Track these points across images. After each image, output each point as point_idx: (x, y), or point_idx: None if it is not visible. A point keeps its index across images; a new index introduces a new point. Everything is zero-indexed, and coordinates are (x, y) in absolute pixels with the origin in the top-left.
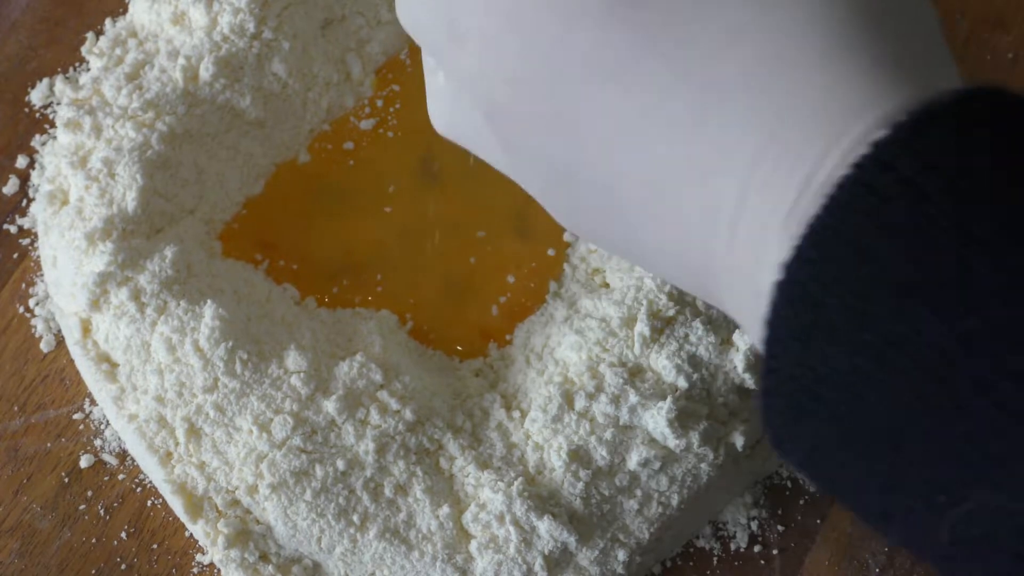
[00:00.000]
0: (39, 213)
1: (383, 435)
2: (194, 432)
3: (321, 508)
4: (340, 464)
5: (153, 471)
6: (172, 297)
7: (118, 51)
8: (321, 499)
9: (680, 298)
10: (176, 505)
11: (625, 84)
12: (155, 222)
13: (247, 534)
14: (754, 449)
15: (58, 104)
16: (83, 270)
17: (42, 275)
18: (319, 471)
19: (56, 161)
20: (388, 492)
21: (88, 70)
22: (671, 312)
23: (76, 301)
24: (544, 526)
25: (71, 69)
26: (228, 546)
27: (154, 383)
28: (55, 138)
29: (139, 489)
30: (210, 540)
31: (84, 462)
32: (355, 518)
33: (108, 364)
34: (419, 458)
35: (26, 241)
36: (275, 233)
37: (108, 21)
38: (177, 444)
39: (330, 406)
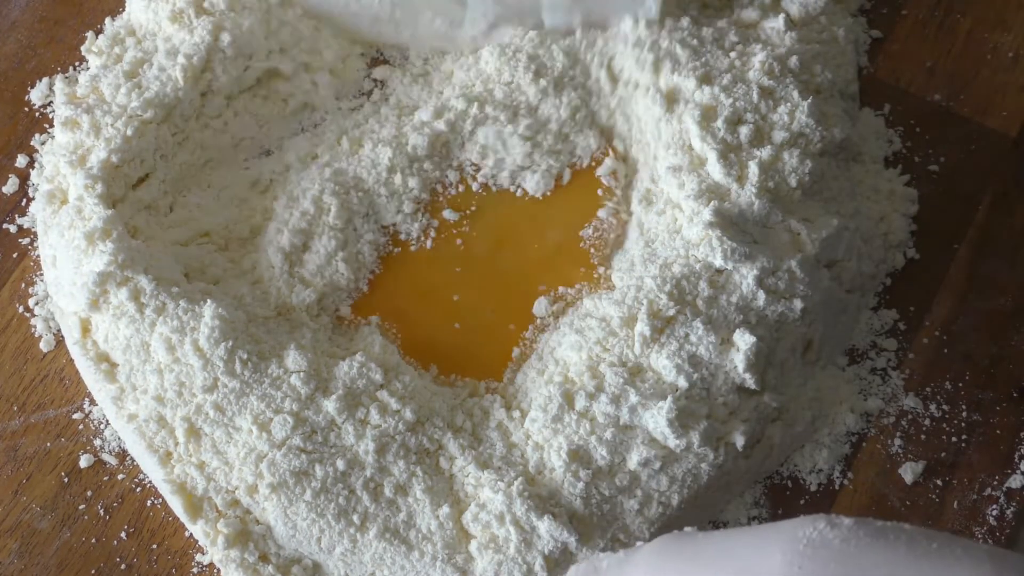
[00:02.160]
0: (38, 212)
1: (383, 435)
2: (194, 432)
3: (321, 508)
4: (340, 464)
5: (153, 471)
6: (171, 298)
7: (116, 50)
8: (321, 499)
9: (680, 298)
10: (176, 505)
11: None
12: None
13: (247, 534)
14: (754, 449)
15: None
16: (83, 270)
17: (42, 275)
18: (319, 471)
19: (55, 160)
20: (388, 492)
21: (88, 69)
22: (671, 312)
23: (76, 301)
24: (544, 526)
25: (71, 68)
26: (228, 546)
27: (154, 383)
28: (54, 137)
29: (139, 489)
30: (210, 540)
31: (84, 462)
32: (355, 518)
33: (107, 364)
34: (419, 458)
35: (26, 240)
36: None
37: (108, 20)
38: (177, 444)
39: (330, 406)
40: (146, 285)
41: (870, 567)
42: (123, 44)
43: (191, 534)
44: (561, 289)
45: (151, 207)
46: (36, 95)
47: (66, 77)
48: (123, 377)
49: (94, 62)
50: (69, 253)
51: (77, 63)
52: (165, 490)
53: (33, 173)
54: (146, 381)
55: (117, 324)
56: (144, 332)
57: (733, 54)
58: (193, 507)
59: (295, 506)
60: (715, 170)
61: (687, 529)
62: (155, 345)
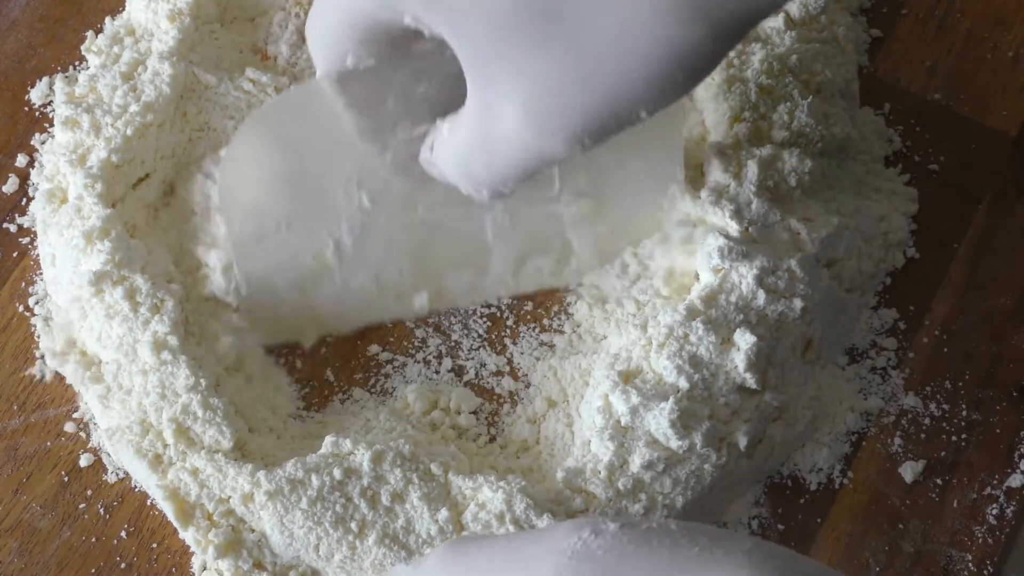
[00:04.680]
0: (38, 212)
1: (379, 445)
2: (183, 432)
3: (318, 516)
4: (337, 473)
5: (144, 476)
6: (170, 296)
7: (116, 49)
8: (318, 507)
9: (680, 298)
10: (167, 511)
11: None
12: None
13: (239, 543)
14: (756, 449)
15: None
16: (80, 268)
17: (42, 274)
18: (315, 480)
19: (55, 159)
20: (385, 500)
21: (87, 69)
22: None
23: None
24: (543, 525)
25: (71, 68)
26: (219, 556)
27: (138, 383)
28: (54, 136)
29: (138, 488)
30: (200, 548)
31: (84, 461)
32: (353, 525)
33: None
34: (414, 465)
35: (26, 240)
36: None
37: (108, 19)
38: (166, 446)
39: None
40: (142, 284)
41: None
42: (122, 44)
43: None
44: None
45: (151, 207)
46: (36, 95)
47: (66, 77)
48: (110, 377)
49: (94, 62)
50: (68, 252)
51: (77, 63)
52: (157, 495)
53: (33, 172)
54: (131, 381)
55: (110, 323)
56: (137, 331)
57: (731, 53)
58: (184, 514)
59: (291, 514)
60: (713, 170)
61: (466, 534)
62: (143, 345)
